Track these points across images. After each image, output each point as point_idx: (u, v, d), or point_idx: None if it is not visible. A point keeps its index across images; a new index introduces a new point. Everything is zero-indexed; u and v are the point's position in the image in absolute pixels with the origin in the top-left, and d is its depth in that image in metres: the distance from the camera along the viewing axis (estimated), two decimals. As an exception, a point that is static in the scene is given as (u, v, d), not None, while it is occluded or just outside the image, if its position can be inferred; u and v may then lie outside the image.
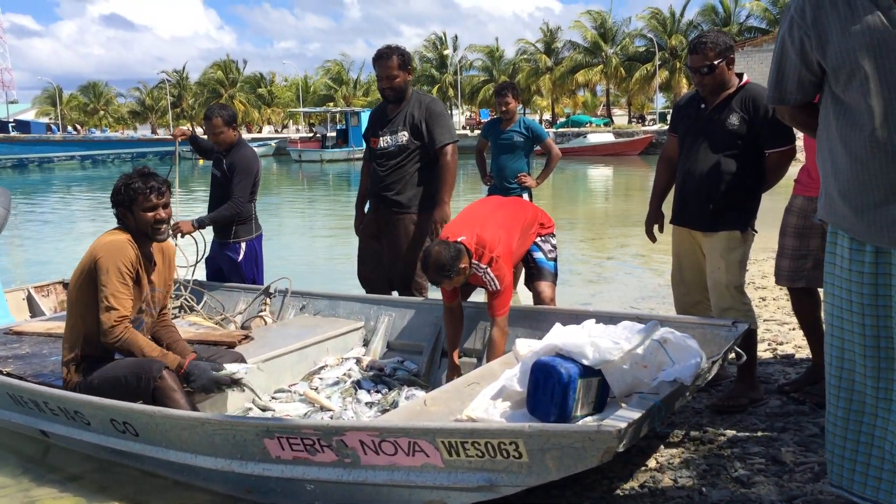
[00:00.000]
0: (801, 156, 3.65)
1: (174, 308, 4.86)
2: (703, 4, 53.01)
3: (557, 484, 2.73)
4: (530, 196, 6.09)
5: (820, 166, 2.32)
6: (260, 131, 72.54)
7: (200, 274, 5.28)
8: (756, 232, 3.70)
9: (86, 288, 3.39)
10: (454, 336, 3.97)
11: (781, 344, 4.72)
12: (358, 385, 4.05)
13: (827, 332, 2.33)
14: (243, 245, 5.13)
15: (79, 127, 71.90)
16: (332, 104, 63.14)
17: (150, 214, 3.42)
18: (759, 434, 3.31)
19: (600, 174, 29.16)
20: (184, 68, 77.59)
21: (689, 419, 3.54)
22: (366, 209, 4.92)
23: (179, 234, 4.92)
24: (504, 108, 6.03)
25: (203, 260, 5.25)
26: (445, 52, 65.99)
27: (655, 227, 4.08)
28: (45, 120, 69.45)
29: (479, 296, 4.63)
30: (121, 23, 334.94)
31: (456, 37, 74.35)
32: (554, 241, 4.42)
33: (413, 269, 4.62)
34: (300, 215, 17.34)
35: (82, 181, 31.42)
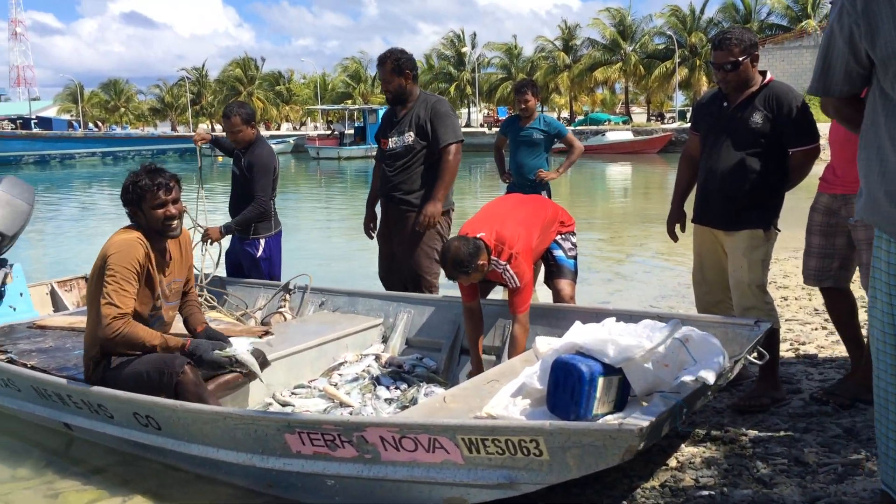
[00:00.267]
0: (825, 154, 3.61)
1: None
2: (723, 2, 52.58)
3: (578, 482, 2.72)
4: (549, 194, 6.08)
5: (863, 165, 2.21)
6: (278, 128, 72.89)
7: (220, 269, 5.32)
8: (779, 231, 3.67)
9: (100, 286, 3.39)
10: (475, 336, 3.97)
11: (804, 344, 4.68)
12: (377, 381, 4.06)
13: (874, 336, 2.23)
14: (262, 241, 5.18)
15: (100, 124, 72.48)
16: (349, 102, 63.30)
17: (160, 211, 3.38)
18: (782, 434, 3.28)
19: (619, 172, 29.02)
20: (203, 66, 78.33)
21: (711, 419, 3.52)
22: (377, 210, 5.01)
23: (209, 242, 5.06)
24: (524, 106, 6.02)
25: (224, 257, 5.31)
26: (463, 50, 65.93)
27: (677, 226, 4.05)
28: (67, 117, 70.04)
29: (497, 293, 4.63)
30: (141, 21, 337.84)
31: (474, 34, 74.35)
32: (574, 240, 4.40)
33: (421, 267, 4.68)
34: (318, 212, 17.39)
35: (103, 177, 31.71)
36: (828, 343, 4.66)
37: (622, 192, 22.25)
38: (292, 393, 3.99)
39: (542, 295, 4.99)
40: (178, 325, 3.78)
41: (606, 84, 59.73)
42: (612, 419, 2.74)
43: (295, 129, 74.21)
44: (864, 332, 3.63)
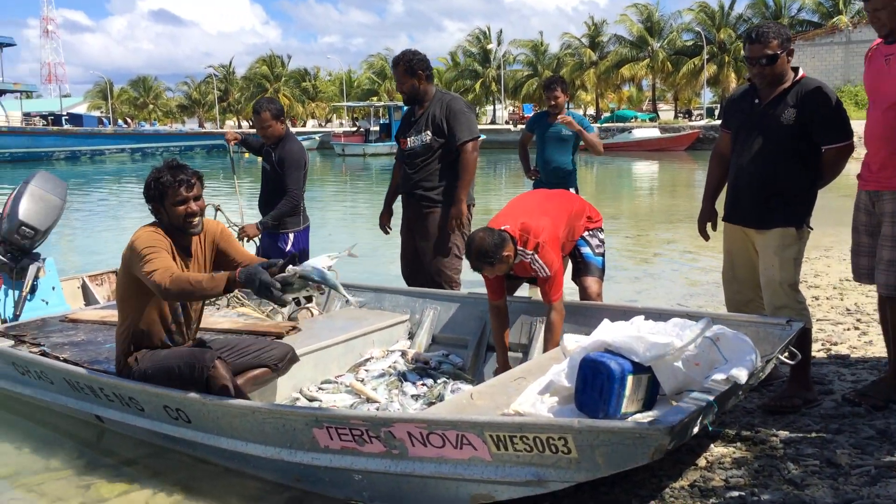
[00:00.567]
0: (860, 151, 3.55)
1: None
2: (753, -3, 51.92)
3: (606, 480, 2.71)
4: (577, 190, 6.05)
5: None
6: (304, 125, 73.31)
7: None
8: (811, 229, 3.62)
9: (128, 282, 3.39)
10: (501, 334, 3.96)
11: (836, 344, 4.61)
12: (403, 377, 4.07)
13: None
14: (291, 236, 5.25)
15: (129, 120, 73.43)
16: (375, 98, 63.48)
17: (182, 208, 3.35)
18: (813, 435, 3.24)
19: (646, 170, 28.79)
20: (230, 63, 78.90)
21: (741, 419, 3.48)
22: (397, 208, 5.09)
23: (246, 239, 5.13)
24: (553, 102, 6.00)
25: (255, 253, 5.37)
26: (489, 47, 65.79)
27: (709, 224, 3.99)
28: (97, 113, 71.07)
29: (522, 290, 4.62)
30: (169, 18, 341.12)
31: (500, 31, 74.15)
32: (602, 236, 4.38)
33: (442, 262, 4.75)
34: (343, 208, 17.46)
35: (132, 173, 32.10)
36: (860, 343, 4.59)
37: (649, 189, 22.08)
38: (319, 388, 4.01)
39: (568, 292, 4.96)
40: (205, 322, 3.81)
41: (633, 81, 59.26)
42: (642, 418, 2.72)
43: (321, 125, 74.63)
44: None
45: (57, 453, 3.76)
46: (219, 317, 4.82)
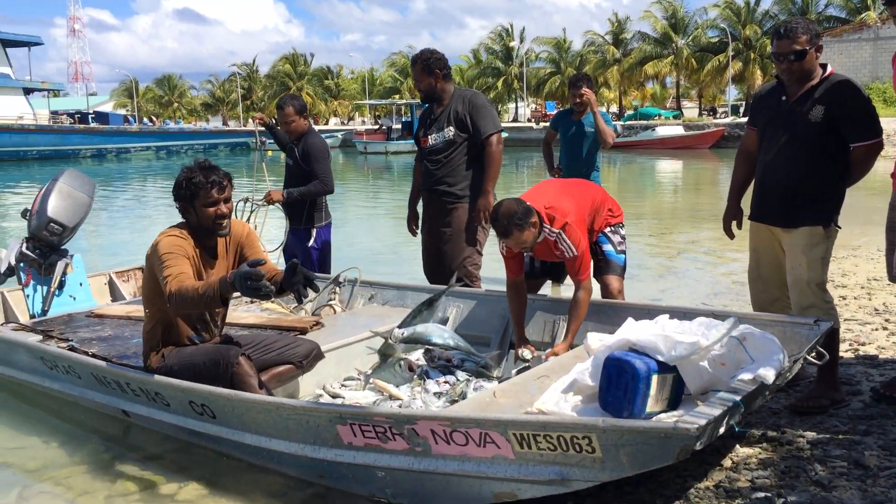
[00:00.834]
0: (889, 150, 3.49)
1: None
2: (779, -7, 51.31)
3: (630, 480, 2.69)
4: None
5: None
6: (326, 123, 73.59)
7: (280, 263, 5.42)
8: (840, 228, 3.57)
9: (153, 282, 3.40)
10: (519, 312, 3.99)
11: (864, 344, 4.55)
12: (426, 375, 4.06)
13: None
14: (314, 231, 5.35)
15: (154, 118, 74.17)
16: (397, 96, 63.48)
17: (212, 210, 3.35)
18: (841, 436, 3.19)
19: (669, 168, 28.54)
20: (254, 61, 79.45)
21: (767, 419, 3.44)
22: (419, 209, 5.10)
23: (269, 202, 5.34)
24: (578, 100, 5.96)
25: (281, 250, 5.47)
26: (511, 44, 65.60)
27: (734, 223, 3.95)
28: (123, 111, 71.87)
29: (545, 289, 4.61)
30: (193, 17, 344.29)
31: (523, 29, 73.90)
32: (623, 233, 4.36)
33: (462, 256, 4.76)
34: (366, 205, 17.51)
35: (158, 171, 32.42)
36: (889, 344, 4.52)
37: (672, 187, 21.90)
38: (342, 385, 4.03)
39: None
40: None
41: (657, 78, 58.84)
42: (667, 418, 2.70)
43: (343, 123, 74.90)
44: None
45: (84, 447, 3.81)
46: (242, 311, 4.87)
